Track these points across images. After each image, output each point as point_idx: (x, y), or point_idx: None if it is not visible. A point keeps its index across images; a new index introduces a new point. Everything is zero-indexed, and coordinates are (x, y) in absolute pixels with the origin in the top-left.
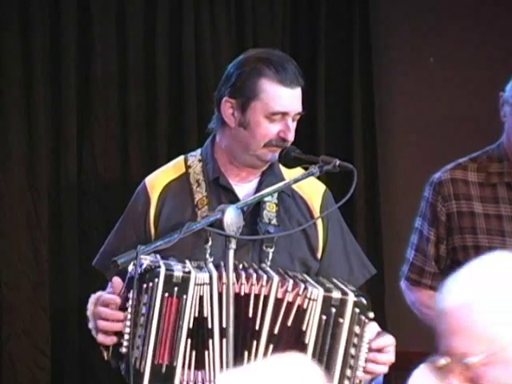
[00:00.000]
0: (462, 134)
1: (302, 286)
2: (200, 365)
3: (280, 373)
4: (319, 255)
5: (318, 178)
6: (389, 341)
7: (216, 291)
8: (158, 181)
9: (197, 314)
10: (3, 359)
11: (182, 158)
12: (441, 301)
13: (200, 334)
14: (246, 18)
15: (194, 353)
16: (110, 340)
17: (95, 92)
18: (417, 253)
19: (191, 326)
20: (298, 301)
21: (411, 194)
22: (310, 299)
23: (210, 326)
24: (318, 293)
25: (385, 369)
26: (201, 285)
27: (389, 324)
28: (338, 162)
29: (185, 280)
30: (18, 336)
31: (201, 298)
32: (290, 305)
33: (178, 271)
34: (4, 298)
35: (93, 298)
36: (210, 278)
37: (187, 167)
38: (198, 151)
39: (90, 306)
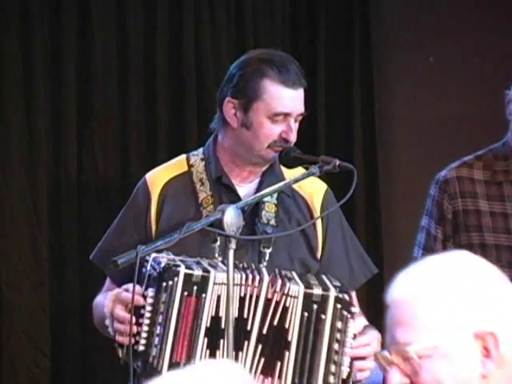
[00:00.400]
0: (463, 133)
1: (287, 284)
2: None
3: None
4: (319, 255)
5: (319, 177)
6: (370, 338)
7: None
8: (158, 177)
9: (213, 314)
10: (3, 359)
11: (183, 156)
12: (388, 294)
13: (215, 333)
14: (246, 18)
15: (208, 352)
16: (128, 341)
17: (95, 92)
18: (425, 251)
19: (208, 324)
20: (283, 299)
21: (411, 194)
22: (291, 296)
23: (222, 326)
24: (298, 289)
25: (372, 363)
26: (219, 284)
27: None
28: (337, 162)
29: (204, 279)
30: (17, 336)
31: (218, 297)
32: (277, 304)
33: (197, 270)
34: (4, 297)
35: (111, 295)
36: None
37: (189, 166)
38: (200, 150)
39: (109, 303)
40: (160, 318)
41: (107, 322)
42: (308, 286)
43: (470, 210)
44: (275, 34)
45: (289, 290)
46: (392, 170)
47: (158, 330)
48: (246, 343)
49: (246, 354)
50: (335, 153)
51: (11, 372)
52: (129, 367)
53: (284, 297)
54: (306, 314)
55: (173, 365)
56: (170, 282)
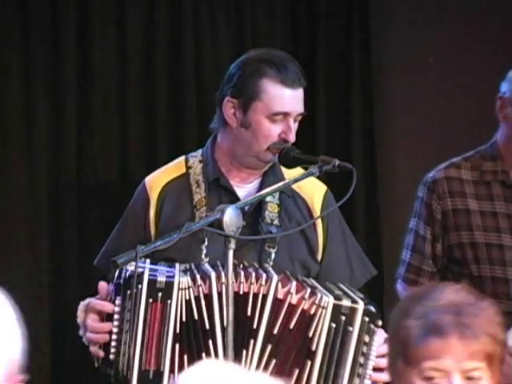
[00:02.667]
0: (462, 134)
1: (309, 290)
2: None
3: None
4: (319, 257)
5: (318, 178)
6: None
7: (215, 291)
8: (157, 181)
9: (184, 318)
10: None
11: (182, 158)
12: None
13: (191, 337)
14: (246, 18)
15: (185, 356)
16: (101, 352)
17: (95, 92)
18: (413, 253)
19: (178, 330)
20: (304, 305)
21: (410, 194)
22: (319, 306)
23: (207, 327)
24: (328, 300)
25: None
26: (185, 289)
27: (387, 325)
28: (337, 162)
29: (168, 285)
30: None
31: (187, 301)
32: (293, 307)
33: (161, 276)
34: None
35: (82, 305)
36: (194, 281)
37: (187, 168)
38: (199, 151)
39: (80, 314)
40: (127, 326)
41: (81, 332)
42: (337, 297)
43: (460, 210)
44: (275, 34)
45: (314, 297)
46: (391, 170)
47: (125, 338)
48: (251, 342)
49: (252, 353)
50: (334, 153)
51: None
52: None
53: (307, 303)
54: (333, 325)
55: (142, 372)
56: (135, 290)
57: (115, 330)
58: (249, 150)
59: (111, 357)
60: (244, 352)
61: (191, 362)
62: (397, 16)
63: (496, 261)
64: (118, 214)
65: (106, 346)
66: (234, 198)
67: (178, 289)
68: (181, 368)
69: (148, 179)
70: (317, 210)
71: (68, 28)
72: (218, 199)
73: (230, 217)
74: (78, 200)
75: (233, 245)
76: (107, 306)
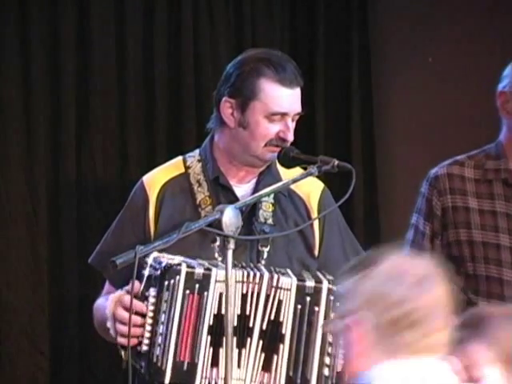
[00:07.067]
0: (462, 134)
1: (280, 277)
2: (215, 362)
3: None
4: (316, 253)
5: (317, 177)
6: None
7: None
8: (156, 179)
9: (216, 311)
10: (2, 359)
11: (180, 158)
12: None
13: (218, 331)
14: (245, 18)
15: (211, 350)
16: (130, 342)
17: (94, 92)
18: (412, 248)
19: (211, 322)
20: (277, 293)
21: (410, 194)
22: (284, 289)
23: (225, 324)
24: (290, 282)
25: None
26: (221, 282)
27: None
28: (336, 162)
29: (206, 277)
30: (16, 336)
31: (220, 295)
32: (273, 298)
33: (198, 268)
34: (3, 298)
35: (113, 296)
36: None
37: (186, 168)
38: (196, 151)
39: (111, 305)
40: (163, 317)
41: (109, 324)
42: (301, 278)
43: (459, 207)
44: (274, 34)
45: (280, 282)
46: (391, 170)
47: (161, 329)
48: (248, 340)
49: (249, 351)
50: (333, 153)
51: (10, 372)
52: (128, 367)
53: (277, 290)
54: (299, 306)
55: (177, 364)
56: (172, 281)
57: (150, 321)
58: (247, 150)
59: (144, 348)
60: (243, 351)
61: (214, 356)
62: (396, 16)
63: (492, 260)
64: (118, 215)
65: (136, 341)
66: (232, 198)
67: (215, 281)
68: (213, 361)
69: (146, 178)
70: (314, 207)
71: (68, 29)
72: (217, 198)
73: (230, 217)
74: (77, 201)
75: (232, 245)
76: (139, 306)
